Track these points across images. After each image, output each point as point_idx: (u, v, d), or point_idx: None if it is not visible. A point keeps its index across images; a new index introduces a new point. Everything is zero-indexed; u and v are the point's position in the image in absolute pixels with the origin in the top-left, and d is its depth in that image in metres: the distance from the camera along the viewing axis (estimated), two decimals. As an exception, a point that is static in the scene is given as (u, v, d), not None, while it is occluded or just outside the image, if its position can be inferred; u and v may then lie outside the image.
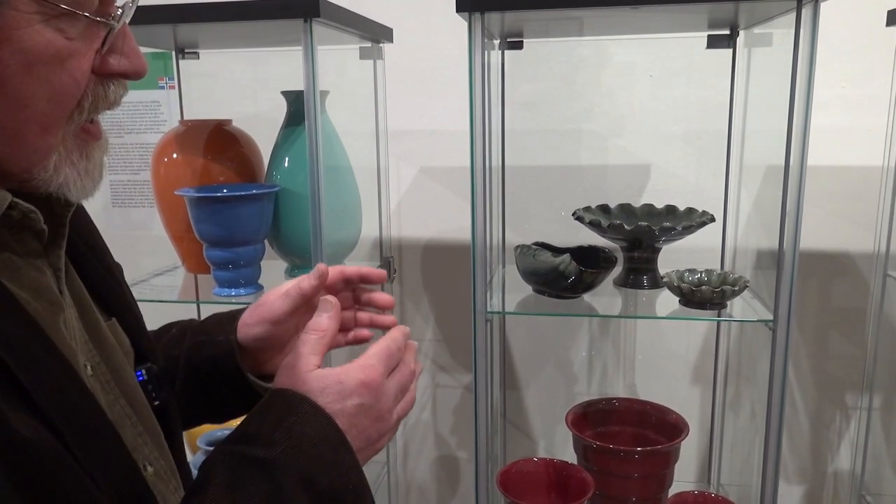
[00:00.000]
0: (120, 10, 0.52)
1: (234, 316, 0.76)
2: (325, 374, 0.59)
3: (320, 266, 0.73)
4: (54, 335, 0.52)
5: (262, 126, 1.43)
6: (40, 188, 0.52)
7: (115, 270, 0.67)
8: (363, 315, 0.78)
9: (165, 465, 0.61)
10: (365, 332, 0.78)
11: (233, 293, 1.31)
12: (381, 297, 0.77)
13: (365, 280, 0.76)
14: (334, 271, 0.74)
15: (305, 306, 0.73)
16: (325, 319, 0.64)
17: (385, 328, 0.75)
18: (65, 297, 0.56)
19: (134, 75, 0.54)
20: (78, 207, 0.64)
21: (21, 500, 0.44)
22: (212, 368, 0.74)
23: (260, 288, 1.34)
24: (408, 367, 0.64)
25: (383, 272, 0.77)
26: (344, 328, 0.77)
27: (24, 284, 0.52)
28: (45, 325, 0.51)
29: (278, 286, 0.74)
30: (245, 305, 0.77)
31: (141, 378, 0.63)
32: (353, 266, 0.76)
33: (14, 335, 0.47)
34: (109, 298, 0.63)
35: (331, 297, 0.66)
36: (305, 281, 0.72)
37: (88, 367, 0.56)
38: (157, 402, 0.63)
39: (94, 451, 0.50)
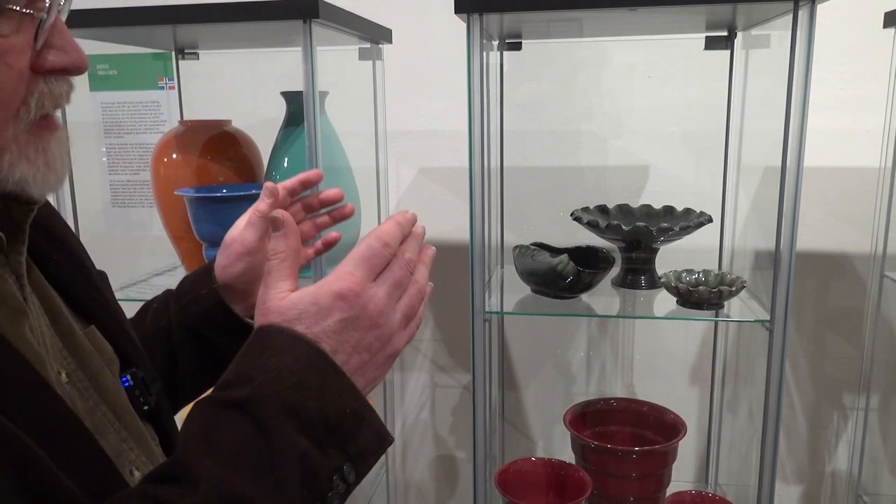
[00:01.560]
0: (48, 3, 0.50)
1: (208, 268, 0.76)
2: (299, 297, 0.54)
3: (268, 184, 0.73)
4: (18, 342, 0.50)
5: (261, 126, 1.43)
6: None
7: (93, 276, 0.66)
8: (322, 219, 0.78)
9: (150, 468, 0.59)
10: (332, 234, 0.78)
11: (232, 293, 1.31)
12: (328, 193, 0.76)
13: (305, 185, 0.76)
14: (275, 184, 0.74)
15: (269, 226, 0.72)
16: (280, 240, 0.58)
17: (345, 217, 0.76)
18: (29, 303, 0.55)
19: (73, 70, 0.52)
20: (52, 213, 0.64)
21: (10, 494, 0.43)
22: (206, 323, 0.74)
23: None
24: (401, 260, 0.57)
25: (318, 171, 0.76)
26: (305, 239, 0.77)
27: None
28: (6, 333, 0.49)
29: (237, 222, 0.75)
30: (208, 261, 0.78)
31: (127, 384, 0.61)
32: (289, 179, 0.76)
33: None
34: (88, 305, 0.62)
35: (278, 212, 0.59)
36: (261, 203, 0.73)
37: (63, 375, 0.55)
38: (145, 407, 0.62)
39: (67, 456, 0.48)
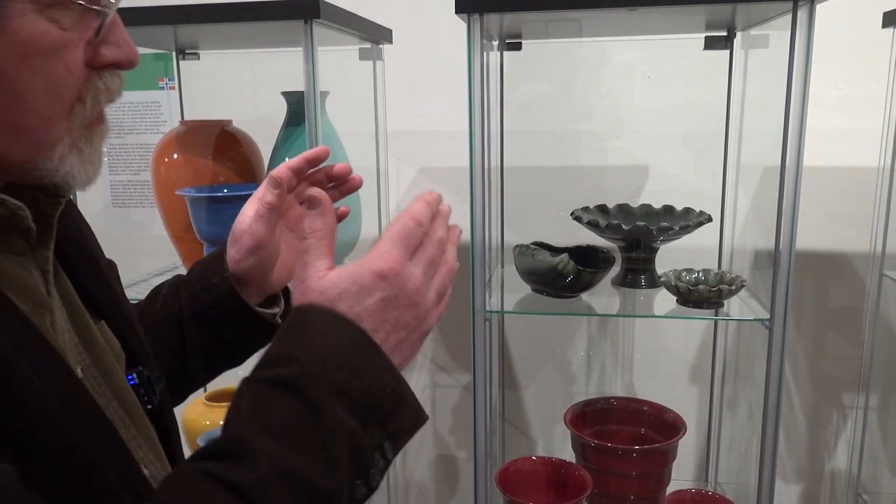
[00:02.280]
0: None
1: (219, 256, 0.75)
2: (339, 276, 0.54)
3: (272, 174, 0.71)
4: (45, 335, 0.51)
5: (262, 126, 1.43)
6: (44, 177, 0.51)
7: (105, 272, 0.65)
8: (330, 193, 0.75)
9: (161, 467, 0.60)
10: (343, 208, 0.76)
11: (233, 293, 1.31)
12: (339, 167, 0.75)
13: (311, 162, 0.74)
14: (283, 171, 0.72)
15: (278, 216, 0.73)
16: (316, 218, 0.58)
17: (353, 189, 0.75)
18: (52, 298, 0.55)
19: (126, 64, 0.52)
20: (68, 206, 0.64)
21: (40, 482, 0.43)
22: (217, 312, 0.73)
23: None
24: (434, 239, 0.58)
25: (324, 148, 0.74)
26: None
27: (10, 285, 0.50)
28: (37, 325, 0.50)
29: (243, 212, 0.73)
30: (218, 248, 0.76)
31: (133, 382, 0.61)
32: (294, 158, 0.74)
33: (13, 335, 0.46)
34: (99, 301, 0.62)
35: (314, 191, 0.59)
36: (268, 194, 0.71)
37: (79, 370, 0.55)
38: (149, 406, 0.62)
39: (94, 449, 0.49)
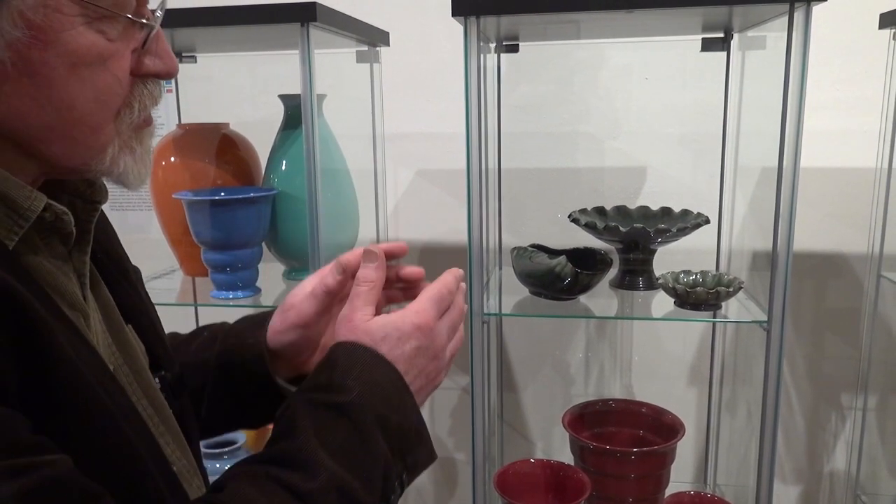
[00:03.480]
0: (154, 11, 0.54)
1: (264, 318, 0.75)
2: (383, 321, 0.62)
3: (340, 260, 0.71)
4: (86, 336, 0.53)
5: (259, 129, 1.43)
6: (98, 177, 0.55)
7: (131, 276, 0.67)
8: (392, 292, 0.75)
9: (187, 464, 0.62)
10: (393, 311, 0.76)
11: (230, 296, 1.31)
12: (411, 270, 0.74)
13: (389, 256, 0.73)
14: (355, 257, 0.70)
15: (332, 302, 0.72)
16: (372, 271, 0.66)
17: (413, 298, 0.72)
18: (89, 302, 0.57)
19: (167, 75, 0.55)
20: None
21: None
22: (242, 373, 0.73)
23: (258, 291, 1.34)
24: (458, 307, 0.67)
25: (404, 244, 0.73)
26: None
27: (51, 287, 0.52)
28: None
29: (302, 284, 0.72)
30: (273, 308, 0.75)
31: (157, 385, 0.63)
32: (373, 246, 0.72)
33: (61, 331, 0.49)
34: (126, 305, 0.63)
35: (374, 248, 0.67)
36: (329, 277, 0.70)
37: (111, 369, 0.57)
38: (171, 410, 0.63)
39: (132, 445, 0.52)
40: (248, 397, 0.75)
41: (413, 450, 0.59)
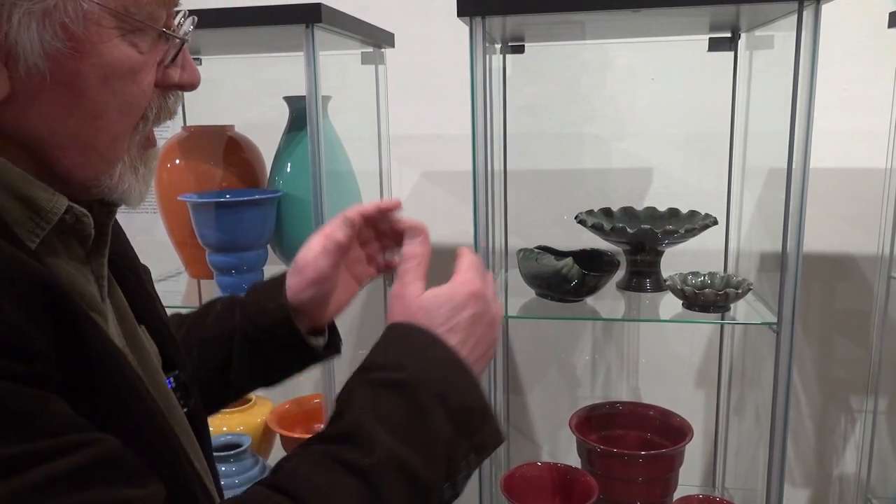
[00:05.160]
0: (180, 24, 0.55)
1: (278, 282, 0.77)
2: (435, 294, 0.63)
3: (347, 215, 0.75)
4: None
5: (264, 131, 1.43)
6: (103, 195, 0.55)
7: (142, 276, 0.68)
8: (386, 242, 0.80)
9: (200, 466, 0.62)
10: (394, 260, 0.79)
11: (236, 298, 1.31)
12: (408, 223, 0.76)
13: (383, 211, 0.77)
14: (356, 214, 0.75)
15: (342, 255, 0.76)
16: (417, 246, 0.68)
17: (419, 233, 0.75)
18: (106, 304, 0.58)
19: (190, 87, 0.57)
20: None
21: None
22: (270, 337, 0.76)
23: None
24: (489, 276, 0.68)
25: (397, 199, 0.78)
26: (370, 261, 0.80)
27: (72, 290, 0.52)
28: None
29: (309, 245, 0.75)
30: (278, 274, 0.79)
31: (170, 384, 0.64)
32: (368, 204, 0.77)
33: (90, 320, 0.50)
34: (138, 306, 0.64)
35: (416, 224, 0.70)
36: (339, 232, 0.74)
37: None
38: (185, 409, 0.64)
39: (172, 435, 0.54)
40: (277, 358, 0.78)
41: (479, 429, 0.58)
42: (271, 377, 0.81)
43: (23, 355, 0.43)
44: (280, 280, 0.77)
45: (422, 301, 0.62)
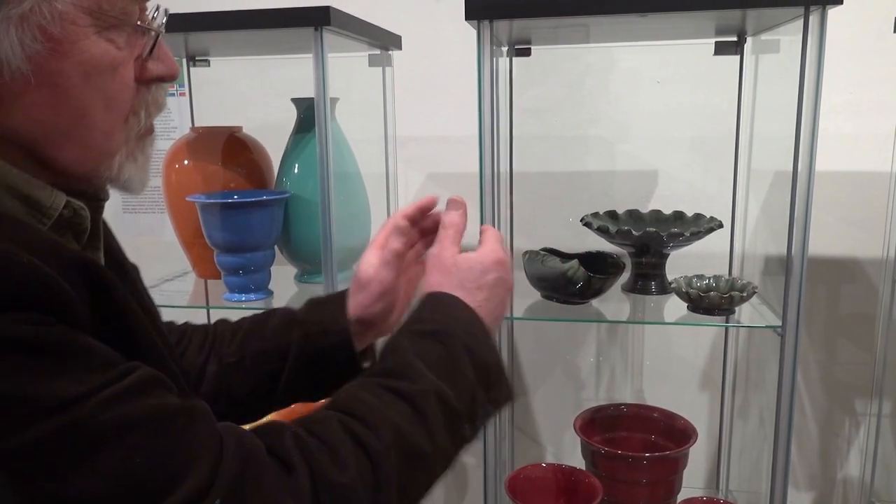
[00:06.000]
0: (153, 17, 0.56)
1: (339, 301, 0.80)
2: (468, 257, 0.72)
3: (397, 223, 0.79)
4: None
5: (272, 133, 1.44)
6: (105, 185, 0.58)
7: (130, 272, 0.69)
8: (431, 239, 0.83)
9: None
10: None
11: (243, 298, 1.32)
12: (451, 198, 0.80)
13: (424, 210, 0.82)
14: (402, 220, 0.80)
15: (402, 263, 0.80)
16: (457, 216, 0.76)
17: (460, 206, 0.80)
18: None
19: (169, 77, 0.58)
20: None
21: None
22: (325, 357, 0.78)
23: (270, 293, 1.35)
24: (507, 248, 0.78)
25: (433, 197, 0.83)
26: (418, 259, 0.84)
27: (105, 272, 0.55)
28: None
29: (367, 260, 0.79)
30: (338, 291, 0.82)
31: None
32: (409, 206, 0.82)
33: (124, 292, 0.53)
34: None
35: (457, 198, 0.77)
36: (396, 242, 0.79)
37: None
38: None
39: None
40: (328, 379, 0.79)
41: (496, 384, 0.66)
42: (317, 394, 0.83)
43: (68, 315, 0.47)
44: (341, 299, 0.79)
45: (456, 261, 0.71)
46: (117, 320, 0.53)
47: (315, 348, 0.78)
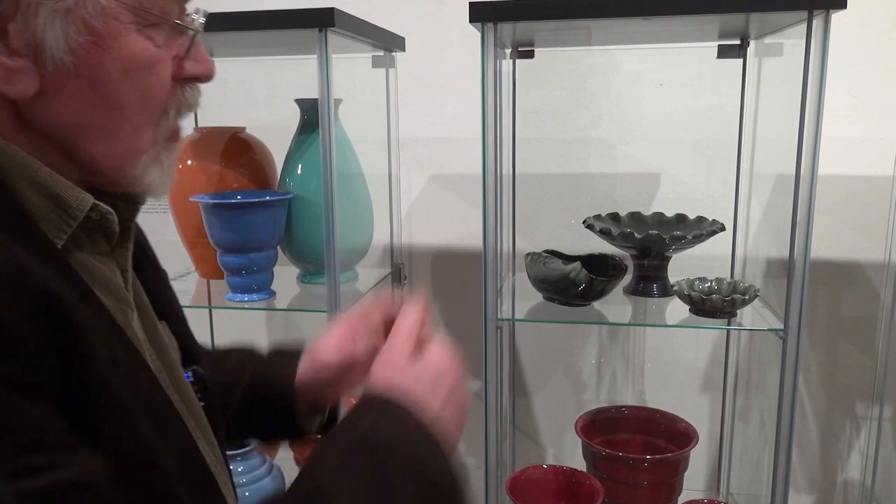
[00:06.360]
0: (192, 17, 0.57)
1: (294, 356, 0.78)
2: (419, 367, 0.63)
3: (370, 323, 0.74)
4: (128, 331, 0.56)
5: (275, 133, 1.44)
6: (129, 186, 0.57)
7: (162, 274, 0.70)
8: None
9: (216, 459, 0.63)
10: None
11: (245, 298, 1.32)
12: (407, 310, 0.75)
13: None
14: (378, 321, 0.74)
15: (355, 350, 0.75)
16: (412, 312, 0.67)
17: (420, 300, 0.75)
18: (131, 296, 0.60)
19: (205, 78, 0.59)
20: None
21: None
22: (264, 408, 0.77)
23: (272, 294, 1.35)
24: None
25: (424, 301, 0.76)
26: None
27: (97, 282, 0.55)
28: (119, 322, 0.55)
29: (328, 334, 0.76)
30: (296, 346, 0.80)
31: (189, 379, 0.65)
32: (393, 305, 0.75)
33: (99, 331, 0.51)
34: (158, 300, 0.66)
35: (421, 293, 0.71)
36: (359, 343, 0.74)
37: (149, 363, 0.59)
38: (202, 404, 0.65)
39: (169, 443, 0.54)
40: (266, 426, 0.79)
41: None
42: (260, 436, 0.82)
43: (22, 363, 0.43)
44: (297, 353, 0.78)
45: (412, 362, 0.63)
46: (83, 363, 0.48)
47: (255, 395, 0.77)
